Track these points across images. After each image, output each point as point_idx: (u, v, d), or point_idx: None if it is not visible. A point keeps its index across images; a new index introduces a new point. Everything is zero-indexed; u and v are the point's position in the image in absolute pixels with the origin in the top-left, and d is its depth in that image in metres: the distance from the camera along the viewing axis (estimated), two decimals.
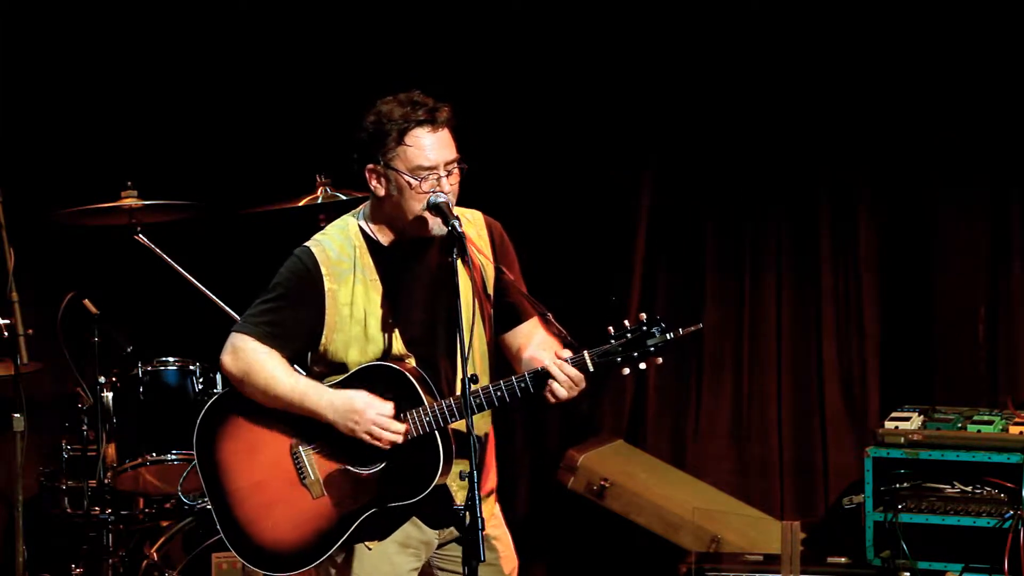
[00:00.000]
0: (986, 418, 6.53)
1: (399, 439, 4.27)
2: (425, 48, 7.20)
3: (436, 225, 4.32)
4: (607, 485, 6.93)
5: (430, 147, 4.29)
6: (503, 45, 7.31)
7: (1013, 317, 7.06)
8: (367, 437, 4.28)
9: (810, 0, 7.14)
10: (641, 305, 7.33)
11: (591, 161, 7.49)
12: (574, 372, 4.19)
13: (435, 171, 4.30)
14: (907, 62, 7.09)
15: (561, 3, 7.31)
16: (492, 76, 7.31)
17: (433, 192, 4.29)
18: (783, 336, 7.33)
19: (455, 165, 4.34)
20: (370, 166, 4.35)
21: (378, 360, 4.36)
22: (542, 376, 4.21)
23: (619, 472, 6.98)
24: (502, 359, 4.52)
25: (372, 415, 4.26)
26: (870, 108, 7.17)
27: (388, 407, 4.28)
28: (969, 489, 6.36)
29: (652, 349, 4.17)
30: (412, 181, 4.30)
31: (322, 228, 4.58)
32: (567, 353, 4.21)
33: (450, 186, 4.31)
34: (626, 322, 4.20)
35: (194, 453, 4.48)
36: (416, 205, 4.31)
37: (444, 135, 4.32)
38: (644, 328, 4.17)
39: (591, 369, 4.19)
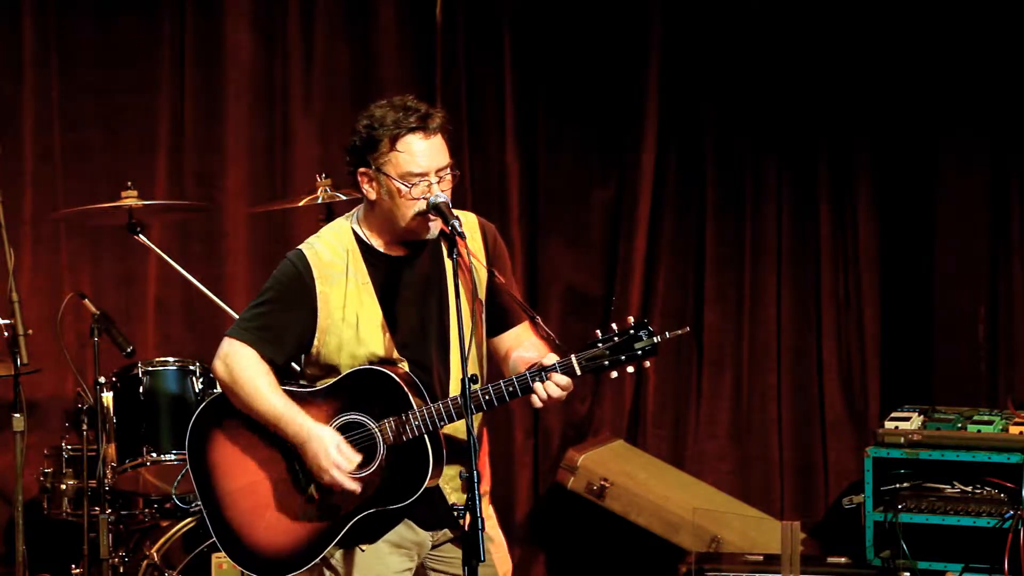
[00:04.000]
0: (986, 418, 6.53)
1: (351, 489, 4.32)
2: None
3: (433, 226, 4.32)
4: (607, 485, 6.93)
5: (421, 153, 4.30)
6: None
7: (1013, 317, 7.07)
8: (323, 479, 4.34)
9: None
10: (641, 305, 7.34)
11: (590, 161, 7.51)
12: (558, 378, 4.21)
13: (426, 177, 4.30)
14: (911, 51, 7.10)
15: None
16: None
17: (426, 197, 4.29)
18: (783, 335, 7.34)
19: (447, 171, 4.34)
20: (362, 170, 4.36)
21: (369, 363, 4.36)
22: (529, 380, 4.21)
23: (619, 472, 6.99)
24: (492, 362, 4.52)
25: (331, 466, 4.31)
26: (870, 102, 7.18)
27: (353, 460, 4.31)
28: (969, 489, 6.36)
29: (639, 352, 4.18)
30: (403, 187, 4.30)
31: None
32: (555, 357, 4.22)
33: (442, 192, 4.31)
34: (614, 325, 4.21)
35: (186, 456, 4.48)
36: (407, 211, 4.32)
37: (436, 141, 4.33)
38: (631, 332, 4.19)
39: (578, 373, 4.21)
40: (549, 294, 7.43)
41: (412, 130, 4.30)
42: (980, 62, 6.99)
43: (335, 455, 4.31)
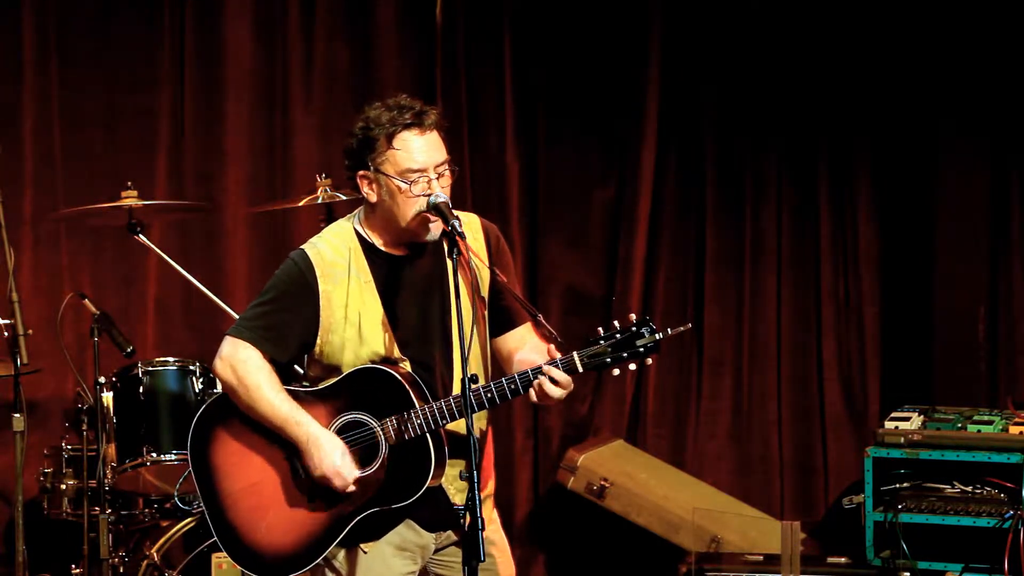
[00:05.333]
0: (986, 418, 6.53)
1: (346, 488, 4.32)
2: None
3: (433, 228, 4.32)
4: (607, 485, 6.93)
5: (418, 149, 4.30)
6: None
7: (1013, 317, 7.07)
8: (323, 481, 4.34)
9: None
10: (641, 305, 7.34)
11: (590, 161, 7.52)
12: (559, 375, 4.20)
13: (425, 173, 4.30)
14: (910, 51, 7.11)
15: None
16: None
17: (427, 195, 4.29)
18: (783, 336, 7.34)
19: (446, 167, 4.34)
20: (361, 172, 4.36)
21: (372, 362, 4.36)
22: (531, 377, 4.21)
23: (619, 472, 6.99)
24: (495, 362, 4.52)
25: (335, 480, 4.32)
26: (870, 102, 7.19)
27: (349, 466, 4.31)
28: (969, 489, 6.36)
29: (641, 350, 4.17)
30: (402, 185, 4.30)
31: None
32: (556, 355, 4.22)
33: (441, 188, 4.31)
34: (616, 323, 4.21)
35: (188, 457, 4.48)
36: (408, 209, 4.31)
37: (433, 137, 4.32)
38: (633, 329, 4.18)
39: (580, 370, 4.20)
40: (549, 294, 7.43)
41: (408, 126, 4.30)
42: (980, 62, 7.00)
43: (339, 461, 4.31)
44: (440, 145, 4.34)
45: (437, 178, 4.31)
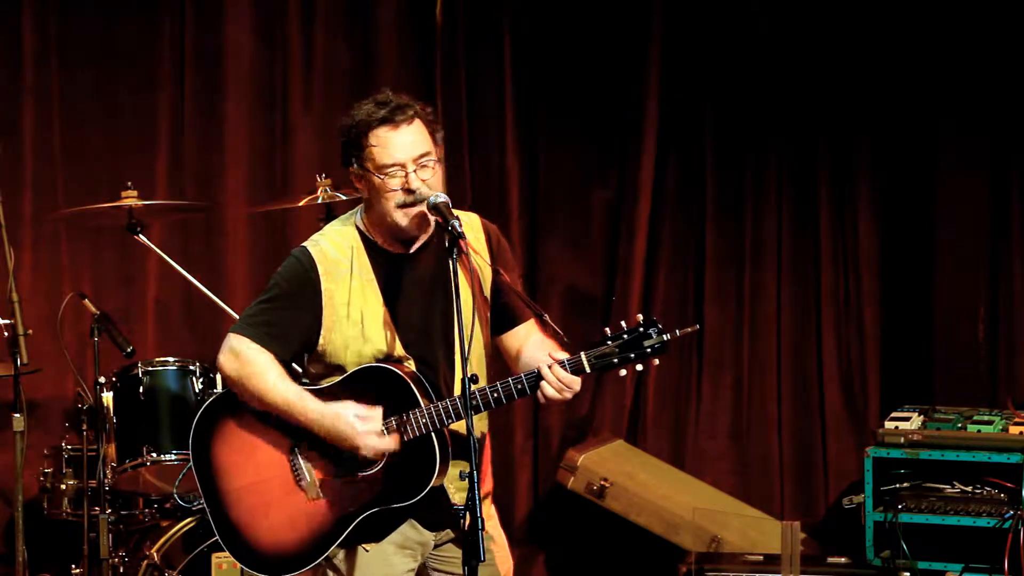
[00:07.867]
0: (986, 418, 6.53)
1: (392, 447, 4.29)
2: None
3: (410, 222, 4.32)
4: (607, 485, 6.93)
5: (393, 145, 4.31)
6: None
7: (1013, 317, 7.07)
8: (362, 452, 4.31)
9: None
10: (642, 305, 7.34)
11: (590, 161, 7.52)
12: (567, 376, 4.20)
13: (402, 168, 4.31)
14: (910, 51, 7.12)
15: None
16: None
17: (405, 188, 4.30)
18: (783, 336, 7.34)
19: (427, 159, 4.34)
20: (351, 169, 4.39)
21: (376, 361, 4.36)
22: (538, 378, 4.21)
23: (619, 472, 6.99)
24: (499, 361, 4.52)
25: (363, 435, 4.28)
26: (870, 102, 7.19)
27: (377, 417, 4.29)
28: (969, 489, 6.36)
29: (648, 351, 4.18)
30: (379, 179, 4.32)
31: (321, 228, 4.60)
32: (564, 355, 4.22)
33: (420, 181, 4.31)
34: (623, 323, 4.21)
35: (190, 455, 4.48)
36: (388, 204, 4.32)
37: (411, 130, 4.33)
38: (640, 329, 4.19)
39: (587, 371, 4.20)
40: (549, 294, 7.43)
41: (382, 122, 4.32)
42: (980, 61, 7.00)
43: (359, 424, 4.29)
44: (421, 138, 4.34)
45: (415, 171, 4.31)
